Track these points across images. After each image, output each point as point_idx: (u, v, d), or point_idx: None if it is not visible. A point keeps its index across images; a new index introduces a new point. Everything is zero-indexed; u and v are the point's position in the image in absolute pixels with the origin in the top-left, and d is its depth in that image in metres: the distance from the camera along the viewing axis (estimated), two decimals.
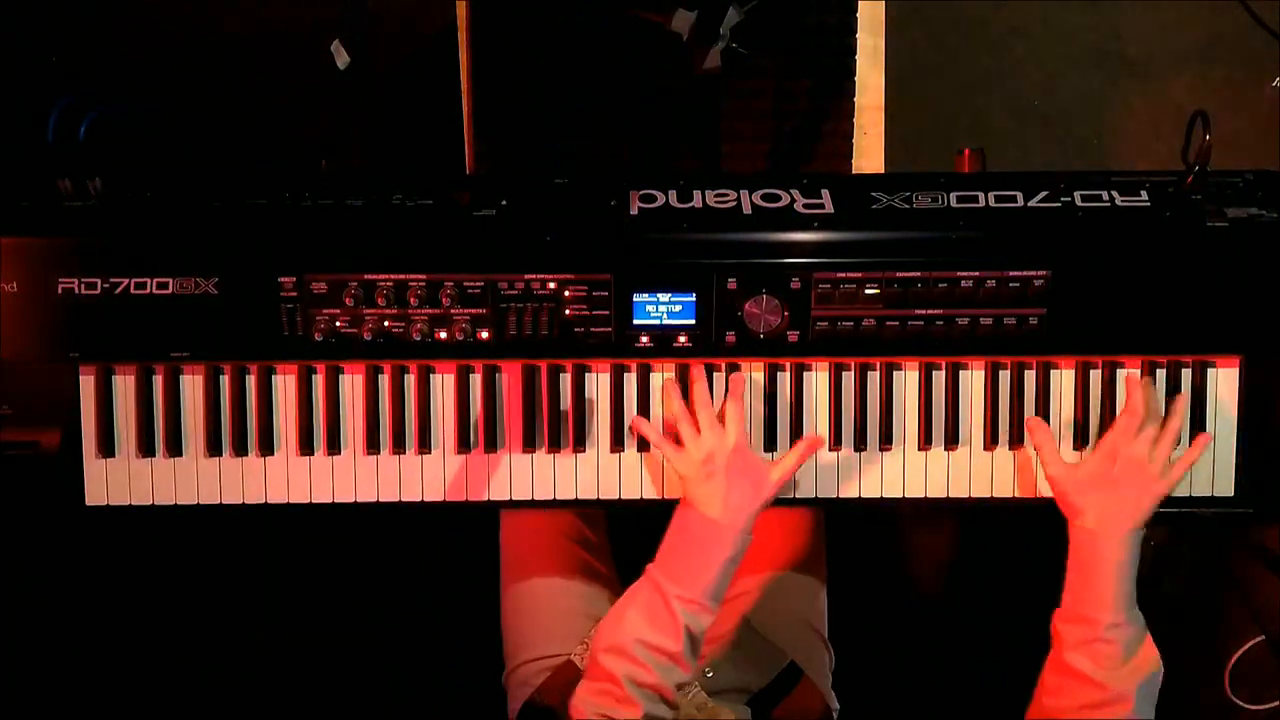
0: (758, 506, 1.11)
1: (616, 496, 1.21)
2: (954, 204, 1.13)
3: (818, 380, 1.20)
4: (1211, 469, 1.20)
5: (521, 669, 1.32)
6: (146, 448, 1.19)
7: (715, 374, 1.20)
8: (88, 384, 1.18)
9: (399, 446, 1.20)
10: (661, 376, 1.20)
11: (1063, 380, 1.19)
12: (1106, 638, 1.04)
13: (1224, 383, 1.19)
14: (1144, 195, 1.14)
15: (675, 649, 1.06)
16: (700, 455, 1.11)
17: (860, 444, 1.19)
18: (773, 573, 1.36)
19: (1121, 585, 1.06)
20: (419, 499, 1.21)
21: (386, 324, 1.14)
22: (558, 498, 1.21)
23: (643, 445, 1.20)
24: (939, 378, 1.20)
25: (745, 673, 1.28)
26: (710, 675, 1.27)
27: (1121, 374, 1.19)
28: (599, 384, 1.20)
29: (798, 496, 1.21)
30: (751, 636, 1.31)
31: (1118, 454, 1.09)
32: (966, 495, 1.21)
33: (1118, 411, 1.19)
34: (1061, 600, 1.09)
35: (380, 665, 1.94)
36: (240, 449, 1.19)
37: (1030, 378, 1.19)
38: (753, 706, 1.24)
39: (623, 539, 1.51)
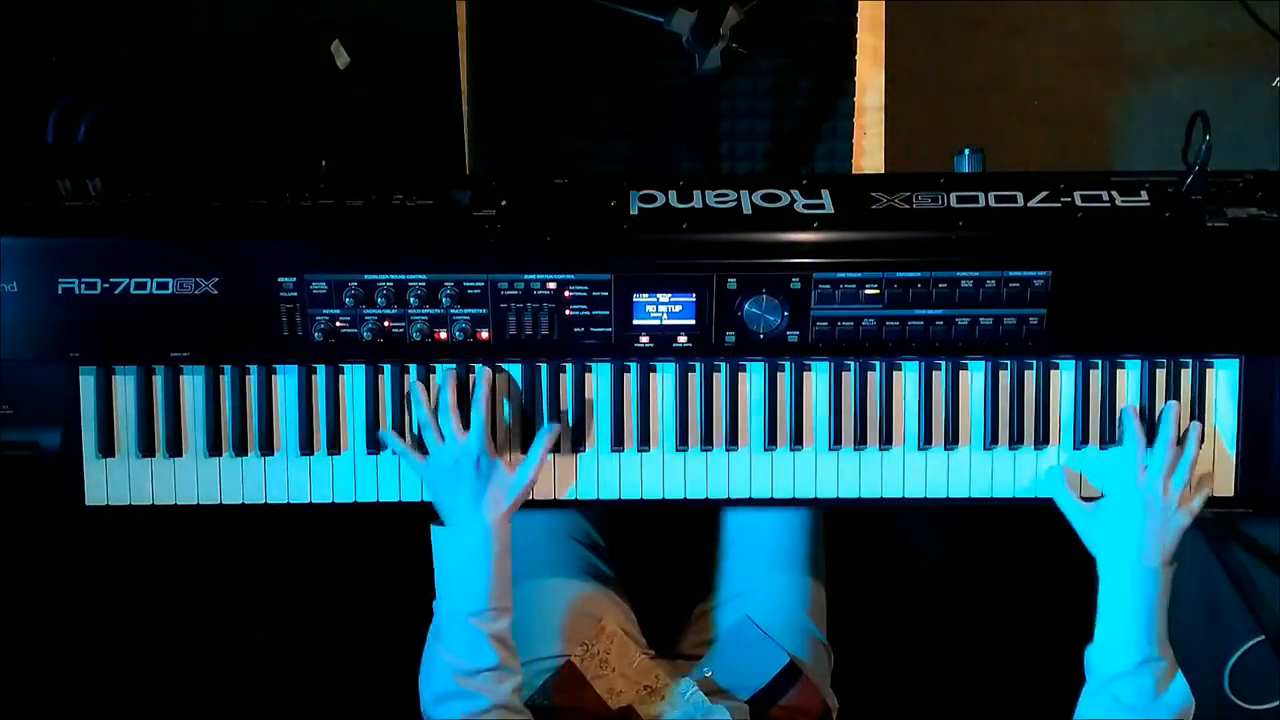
0: (508, 505, 1.13)
1: (617, 496, 1.21)
2: (954, 204, 1.13)
3: (818, 380, 1.20)
4: (1211, 469, 1.20)
5: (522, 669, 1.32)
6: (146, 448, 1.19)
7: (715, 374, 1.20)
8: (88, 384, 1.18)
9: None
10: (410, 380, 1.19)
11: (1063, 380, 1.19)
12: (1137, 673, 1.05)
13: (1224, 383, 1.19)
14: (1144, 195, 1.14)
15: (493, 662, 1.08)
16: (445, 463, 1.13)
17: (860, 444, 1.19)
18: (770, 573, 1.36)
19: (1153, 620, 1.08)
20: (419, 499, 1.21)
21: (386, 324, 1.14)
22: (558, 497, 1.21)
23: (642, 445, 1.20)
24: (939, 378, 1.20)
25: (744, 672, 1.28)
26: (709, 675, 1.27)
27: (1121, 374, 1.19)
28: (599, 384, 1.20)
29: (797, 496, 1.21)
30: (750, 635, 1.31)
31: (1134, 492, 1.11)
32: (966, 495, 1.21)
33: (1117, 411, 1.19)
34: (1094, 634, 1.11)
35: (380, 665, 1.94)
36: (240, 449, 1.19)
37: (1030, 378, 1.19)
38: (752, 705, 1.24)
39: (623, 540, 1.51)
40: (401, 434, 1.19)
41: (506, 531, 1.13)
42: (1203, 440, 1.16)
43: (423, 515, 1.20)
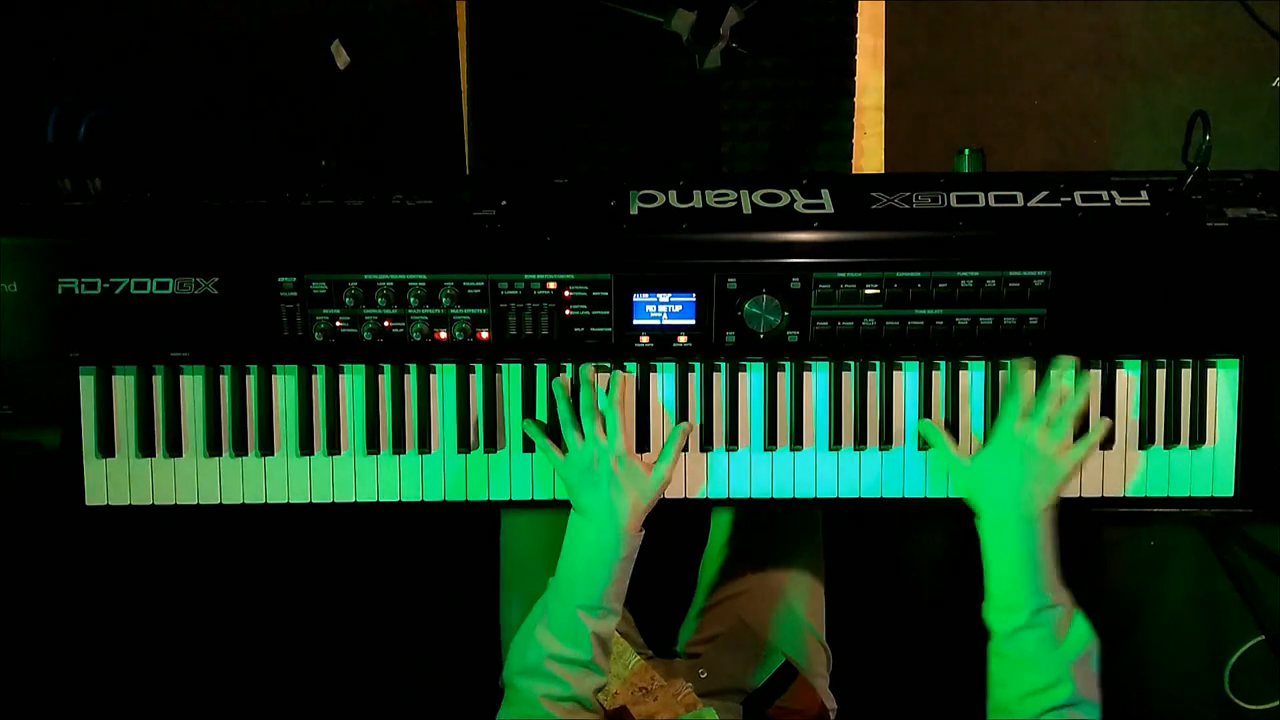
0: (644, 508, 1.14)
1: None
2: (954, 204, 1.13)
3: (818, 380, 1.20)
4: (1211, 469, 1.20)
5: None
6: (146, 448, 1.19)
7: (715, 375, 1.20)
8: (88, 384, 1.18)
9: (399, 446, 1.20)
10: (558, 377, 1.19)
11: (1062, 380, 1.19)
12: (1033, 623, 1.04)
13: (1224, 383, 1.19)
14: (1144, 195, 1.14)
15: (586, 657, 1.09)
16: (584, 462, 1.13)
17: (860, 444, 1.19)
18: (770, 572, 1.36)
19: (1039, 569, 1.06)
20: (419, 499, 1.21)
21: (386, 324, 1.14)
22: (558, 497, 1.21)
23: (642, 444, 1.20)
24: (939, 378, 1.20)
25: (740, 672, 1.28)
26: (705, 676, 1.27)
27: (1121, 374, 1.19)
28: (599, 384, 1.20)
29: (797, 496, 1.21)
30: (747, 636, 1.31)
31: (1012, 440, 1.11)
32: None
33: (1117, 411, 1.19)
34: (985, 592, 1.10)
35: (380, 665, 1.94)
36: (240, 449, 1.19)
37: (1030, 378, 1.19)
38: (748, 706, 1.24)
39: None
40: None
41: (638, 538, 1.14)
42: (1081, 396, 1.14)
43: (423, 516, 1.20)
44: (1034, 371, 1.15)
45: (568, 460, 1.15)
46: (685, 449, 1.19)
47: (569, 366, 1.19)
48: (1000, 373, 1.19)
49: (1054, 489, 1.10)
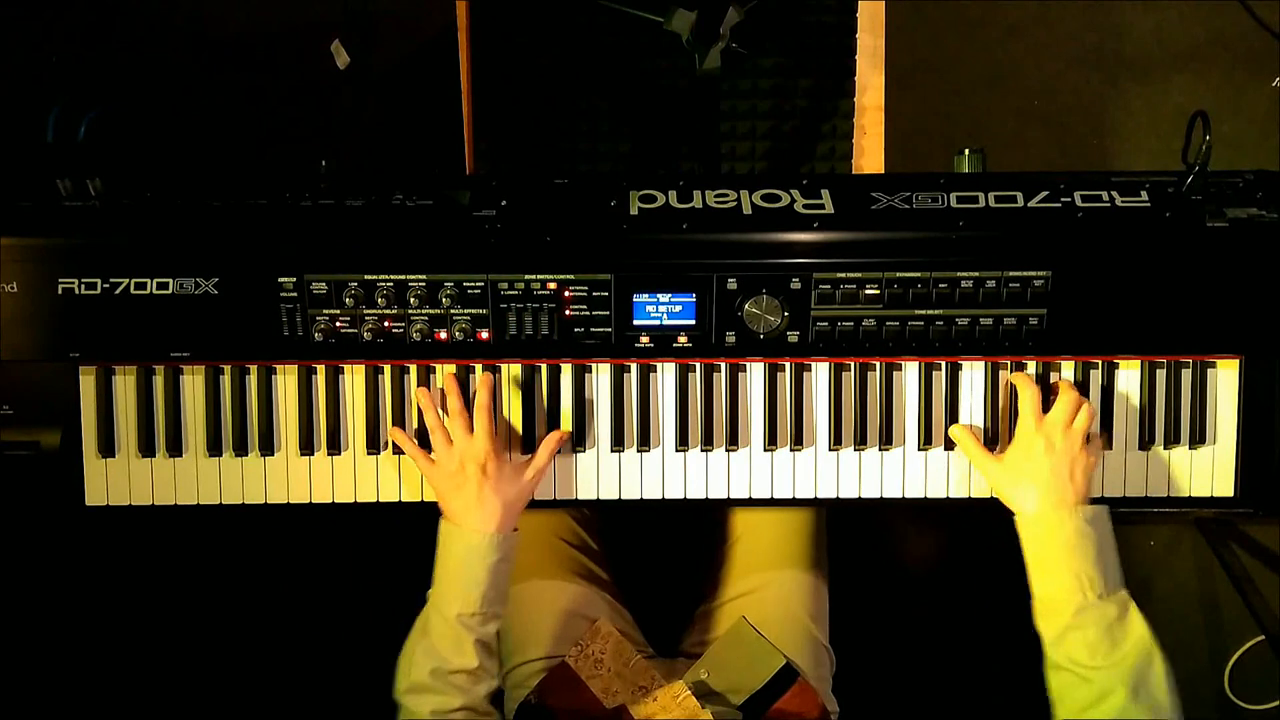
0: (514, 510, 1.14)
1: (617, 496, 1.21)
2: (954, 204, 1.13)
3: (818, 380, 1.20)
4: (1211, 469, 1.20)
5: (517, 670, 1.32)
6: (146, 448, 1.19)
7: (715, 375, 1.20)
8: (88, 384, 1.18)
9: (399, 446, 1.20)
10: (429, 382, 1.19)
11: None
12: (1079, 624, 1.01)
13: (1224, 383, 1.19)
14: (1144, 195, 1.14)
15: (473, 665, 1.09)
16: (452, 466, 1.13)
17: (860, 444, 1.19)
18: (771, 573, 1.36)
19: (1080, 564, 1.04)
20: (419, 499, 1.21)
21: (386, 324, 1.14)
22: (558, 498, 1.21)
23: (642, 445, 1.20)
24: (939, 378, 1.20)
25: (741, 673, 1.27)
26: (705, 676, 1.27)
27: (1121, 374, 1.19)
28: (599, 384, 1.20)
29: (798, 496, 1.21)
30: (747, 637, 1.30)
31: (1034, 437, 1.12)
32: (967, 495, 1.20)
33: (1117, 411, 1.19)
34: (1031, 599, 1.09)
35: (379, 664, 1.94)
36: (240, 449, 1.19)
37: (1031, 379, 1.19)
38: (748, 707, 1.24)
39: (626, 541, 1.51)
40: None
41: (512, 540, 1.14)
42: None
43: (422, 515, 1.20)
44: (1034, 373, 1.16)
45: (435, 466, 1.15)
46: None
47: (438, 369, 1.19)
48: (1000, 373, 1.19)
49: (1085, 479, 1.10)
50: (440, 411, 1.17)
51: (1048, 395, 1.16)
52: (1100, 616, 1.01)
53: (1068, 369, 1.19)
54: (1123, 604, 1.03)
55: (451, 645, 1.09)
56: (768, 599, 1.34)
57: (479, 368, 1.19)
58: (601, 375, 1.20)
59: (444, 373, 1.18)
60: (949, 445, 1.20)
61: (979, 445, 1.17)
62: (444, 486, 1.14)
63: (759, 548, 1.38)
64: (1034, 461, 1.11)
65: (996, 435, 1.19)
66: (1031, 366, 1.19)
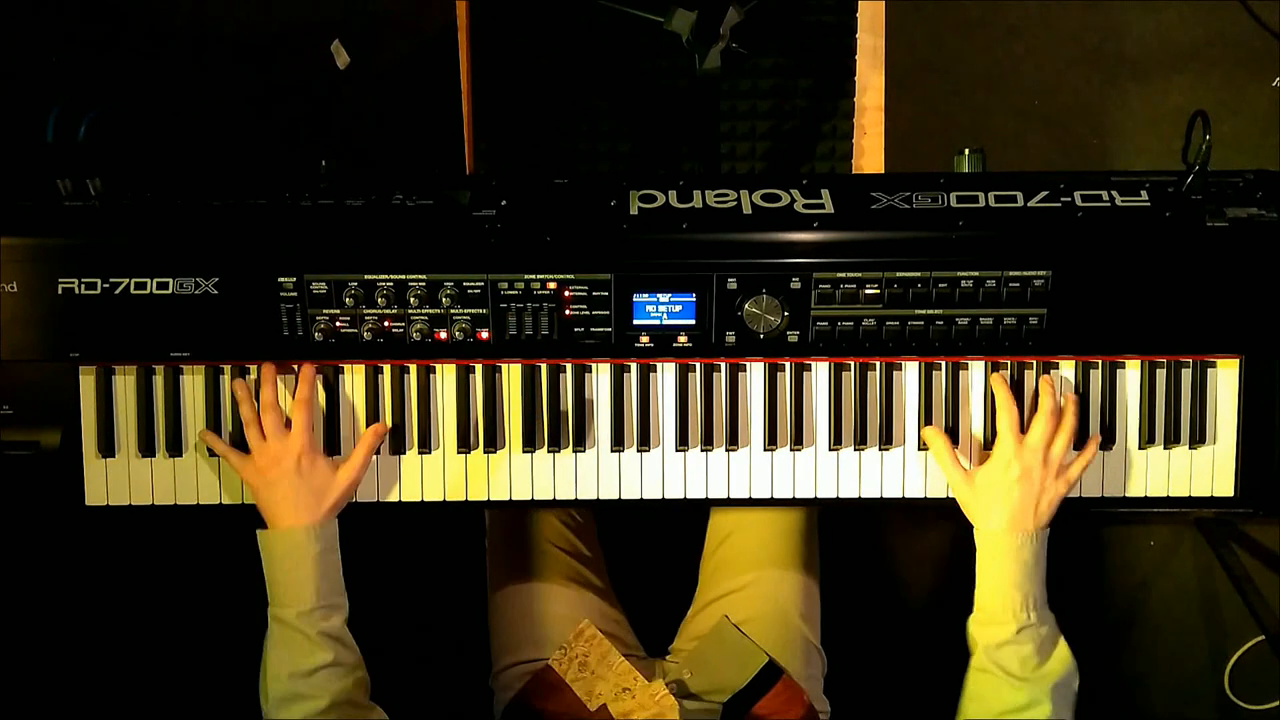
0: (327, 506, 1.12)
1: (616, 496, 1.21)
2: (954, 204, 1.13)
3: (818, 380, 1.20)
4: (1211, 469, 1.20)
5: (505, 672, 1.32)
6: (146, 448, 1.19)
7: (715, 374, 1.20)
8: (88, 384, 1.18)
9: (399, 446, 1.20)
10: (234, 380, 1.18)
11: (1062, 381, 1.19)
12: (1019, 640, 1.05)
13: (1224, 383, 1.19)
14: (1144, 195, 1.14)
15: (328, 659, 1.07)
16: (264, 462, 1.12)
17: (860, 444, 1.19)
18: (759, 572, 1.35)
19: (1030, 586, 1.07)
20: (419, 499, 1.21)
21: (386, 324, 1.14)
22: (558, 498, 1.21)
23: (642, 445, 1.20)
24: (939, 378, 1.20)
25: (724, 673, 1.27)
26: (688, 676, 1.27)
27: (1121, 374, 1.19)
28: (599, 384, 1.20)
29: (798, 496, 1.21)
30: (729, 636, 1.30)
31: (1011, 463, 1.11)
32: None
33: (1117, 411, 1.19)
34: (973, 605, 1.10)
35: (379, 664, 1.94)
36: (240, 449, 1.19)
37: (1030, 378, 1.19)
38: (730, 707, 1.23)
39: (619, 545, 1.52)
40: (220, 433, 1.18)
41: (331, 528, 1.12)
42: (1077, 412, 1.15)
43: (422, 515, 1.20)
44: (1050, 388, 1.15)
45: (248, 462, 1.13)
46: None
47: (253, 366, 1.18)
48: (1000, 373, 1.19)
49: (1051, 506, 1.11)
50: (255, 404, 1.15)
51: (1025, 398, 1.16)
52: (1037, 634, 1.05)
53: (1068, 369, 1.19)
54: (1053, 621, 1.08)
55: (301, 647, 1.07)
56: (754, 597, 1.34)
57: (304, 363, 1.17)
58: (601, 375, 1.20)
59: (265, 366, 1.16)
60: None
61: (951, 454, 1.15)
62: (256, 483, 1.13)
63: (747, 546, 1.38)
64: (1006, 488, 1.10)
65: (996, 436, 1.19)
66: (1031, 375, 1.19)
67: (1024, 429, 1.14)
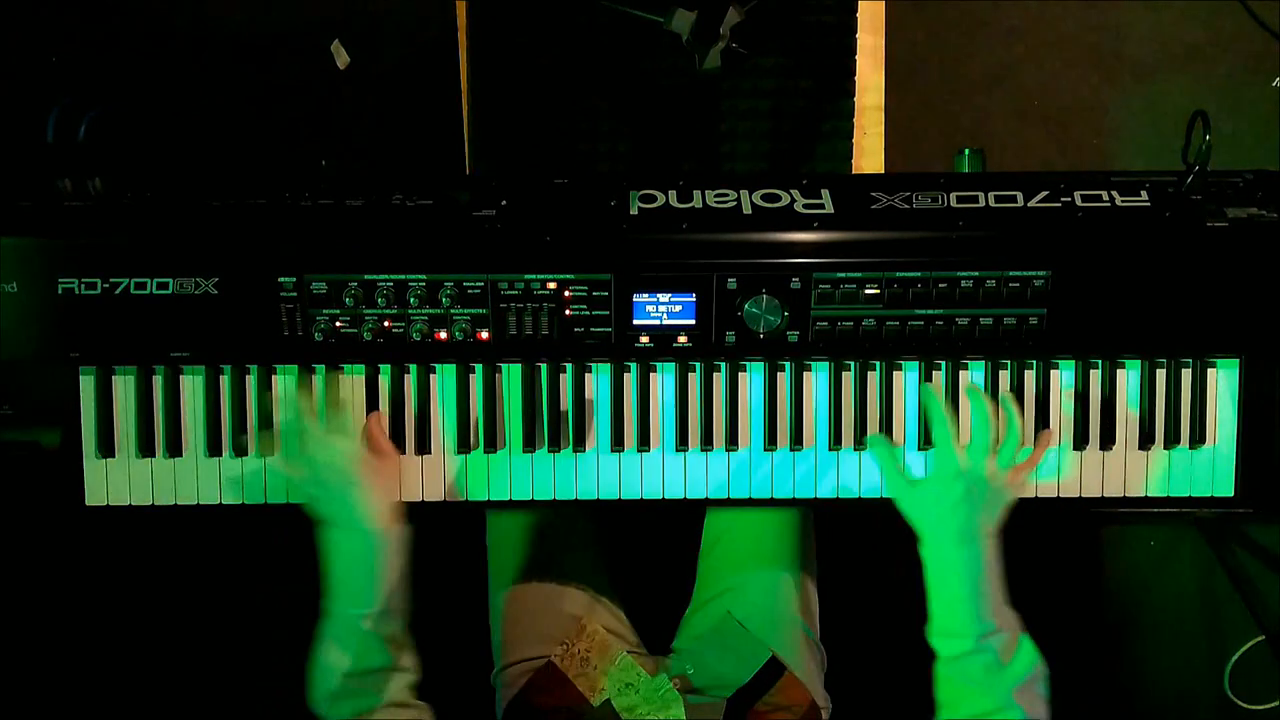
0: (393, 503, 1.11)
1: (616, 496, 1.21)
2: (954, 204, 1.13)
3: (818, 380, 1.20)
4: (1211, 469, 1.20)
5: (507, 670, 1.32)
6: (146, 448, 1.19)
7: (715, 374, 1.20)
8: (88, 384, 1.18)
9: (398, 447, 1.20)
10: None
11: (1062, 380, 1.19)
12: (980, 648, 1.02)
13: (1224, 383, 1.19)
14: (1144, 195, 1.14)
15: (385, 663, 1.07)
16: (323, 467, 1.09)
17: (860, 444, 1.19)
18: (760, 570, 1.35)
19: (984, 594, 1.04)
20: (419, 499, 1.21)
21: (386, 324, 1.14)
22: (558, 498, 1.21)
23: (641, 445, 1.20)
24: (939, 378, 1.20)
25: (726, 668, 1.27)
26: (690, 672, 1.27)
27: (1121, 374, 1.19)
28: (599, 384, 1.20)
29: (797, 496, 1.21)
30: (733, 631, 1.30)
31: (953, 481, 1.06)
32: None
33: (1117, 411, 1.19)
34: (928, 615, 1.07)
35: None
36: (240, 449, 1.19)
37: (1030, 378, 1.19)
38: (734, 703, 1.24)
39: (619, 544, 1.51)
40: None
41: (399, 530, 1.10)
42: (1022, 419, 1.11)
43: (422, 515, 1.20)
44: (982, 397, 1.10)
45: (306, 466, 1.11)
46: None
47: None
48: (1001, 372, 1.19)
49: (999, 515, 1.07)
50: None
51: (1025, 399, 1.16)
52: (998, 641, 1.03)
53: (1068, 368, 1.19)
54: (1016, 626, 1.05)
55: (360, 647, 1.06)
56: (754, 595, 1.34)
57: (347, 367, 1.18)
58: (601, 375, 1.20)
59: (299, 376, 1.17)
60: None
61: (894, 463, 1.12)
62: (317, 492, 1.10)
63: (744, 543, 1.38)
64: (951, 505, 1.05)
65: (997, 434, 1.19)
66: (1031, 375, 1.19)
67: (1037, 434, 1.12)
